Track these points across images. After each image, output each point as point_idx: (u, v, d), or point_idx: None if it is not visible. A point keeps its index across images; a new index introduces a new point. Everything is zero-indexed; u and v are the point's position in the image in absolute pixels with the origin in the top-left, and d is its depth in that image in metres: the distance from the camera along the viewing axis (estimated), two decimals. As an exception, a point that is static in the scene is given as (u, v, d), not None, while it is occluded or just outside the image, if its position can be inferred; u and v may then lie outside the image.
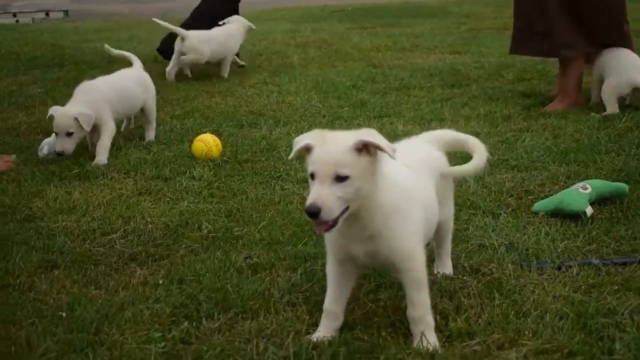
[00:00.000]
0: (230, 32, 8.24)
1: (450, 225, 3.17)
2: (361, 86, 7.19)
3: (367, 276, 3.10)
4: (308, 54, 9.42)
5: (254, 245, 3.50)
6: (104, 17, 15.57)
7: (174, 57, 7.98)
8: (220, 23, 8.19)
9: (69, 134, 4.88)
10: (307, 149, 2.47)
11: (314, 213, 2.38)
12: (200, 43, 7.86)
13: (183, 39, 7.85)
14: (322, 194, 2.39)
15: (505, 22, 9.00)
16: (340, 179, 2.39)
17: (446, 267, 3.18)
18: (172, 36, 8.29)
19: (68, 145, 4.90)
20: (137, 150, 5.13)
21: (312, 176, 2.43)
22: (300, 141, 2.51)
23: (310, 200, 2.40)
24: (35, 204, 4.17)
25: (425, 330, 2.59)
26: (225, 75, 8.05)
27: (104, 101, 5.08)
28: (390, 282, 3.05)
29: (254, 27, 8.53)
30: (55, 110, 4.93)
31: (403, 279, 2.62)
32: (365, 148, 2.43)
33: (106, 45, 6.20)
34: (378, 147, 2.44)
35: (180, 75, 7.97)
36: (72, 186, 4.44)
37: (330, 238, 2.66)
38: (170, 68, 7.92)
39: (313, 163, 2.43)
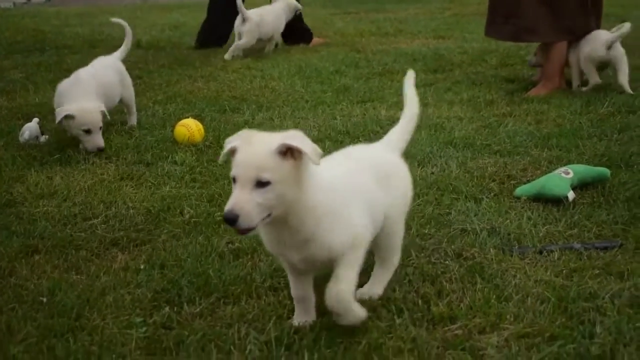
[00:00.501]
0: (278, 12, 8.41)
1: (394, 230, 2.88)
2: (344, 71, 7.17)
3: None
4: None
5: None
6: (85, 1, 15.46)
7: (237, 38, 8.32)
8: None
9: (100, 128, 4.80)
10: (232, 152, 2.36)
11: (231, 220, 2.26)
12: (257, 25, 8.07)
13: (244, 20, 8.01)
14: (241, 200, 2.26)
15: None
16: (261, 184, 2.27)
17: (375, 284, 2.88)
18: (206, 24, 8.51)
19: (102, 139, 4.79)
20: (119, 136, 5.10)
21: (234, 180, 2.30)
22: (229, 143, 2.39)
23: (228, 206, 2.27)
24: (16, 189, 4.14)
25: (344, 308, 2.51)
26: (269, 52, 8.50)
27: (99, 94, 5.01)
28: (369, 265, 3.04)
29: (300, 7, 8.68)
30: (81, 110, 4.73)
31: (338, 261, 2.52)
32: (290, 152, 2.32)
33: (112, 19, 6.12)
34: (301, 151, 2.31)
35: (162, 60, 7.93)
36: (53, 171, 4.41)
37: (266, 243, 2.56)
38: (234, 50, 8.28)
39: (235, 166, 2.31)
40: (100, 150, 4.71)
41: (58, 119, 4.69)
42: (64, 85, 4.97)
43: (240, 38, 8.26)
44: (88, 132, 4.71)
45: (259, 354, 2.50)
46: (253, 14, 8.26)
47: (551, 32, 6.06)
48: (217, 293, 2.89)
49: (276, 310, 2.76)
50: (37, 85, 6.79)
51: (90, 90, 4.91)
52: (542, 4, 6.02)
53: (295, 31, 9.13)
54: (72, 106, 4.72)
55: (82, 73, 5.10)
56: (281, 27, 8.64)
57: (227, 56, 8.15)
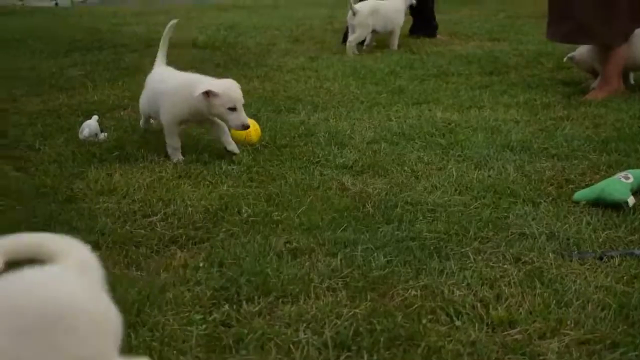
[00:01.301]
0: (397, 6, 8.54)
1: None
2: (399, 72, 7.17)
3: (408, 262, 3.10)
4: (345, 40, 9.41)
5: (293, 230, 3.50)
6: (141, 0, 15.63)
7: (350, 32, 8.47)
8: None
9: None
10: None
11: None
12: (367, 17, 8.18)
13: (354, 13, 8.16)
14: None
15: (544, 9, 8.92)
16: None
17: None
18: None
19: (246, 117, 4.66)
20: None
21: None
22: None
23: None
24: (77, 185, 4.20)
25: None
26: (395, 47, 8.61)
27: None
28: (431, 267, 3.04)
29: (414, 1, 8.79)
30: (230, 85, 4.65)
31: None
32: None
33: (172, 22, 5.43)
34: None
35: (217, 60, 8.00)
36: (112, 168, 4.47)
37: None
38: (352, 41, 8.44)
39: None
40: (246, 128, 4.61)
41: (197, 93, 4.50)
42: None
43: (353, 32, 8.37)
44: (234, 109, 4.54)
45: (317, 354, 2.51)
46: (363, 5, 8.35)
47: (609, 34, 5.99)
48: (276, 292, 2.91)
49: (334, 310, 2.77)
50: (96, 83, 6.88)
51: None
52: (598, 6, 5.95)
53: (420, 23, 9.24)
54: (214, 82, 4.63)
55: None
56: (401, 21, 8.72)
57: (348, 52, 8.23)
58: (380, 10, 8.45)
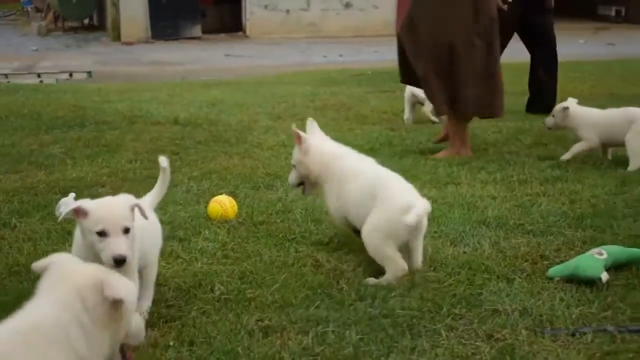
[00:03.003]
0: None
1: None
2: (378, 149, 7.20)
3: (379, 340, 3.07)
4: (327, 117, 9.46)
5: (266, 308, 3.48)
6: (127, 78, 15.76)
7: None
8: None
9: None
10: None
11: None
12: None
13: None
14: None
15: (524, 87, 9.06)
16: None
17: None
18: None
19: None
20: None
21: None
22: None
23: None
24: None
25: None
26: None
27: None
28: (403, 345, 3.02)
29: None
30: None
31: None
32: None
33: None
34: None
35: (198, 136, 8.04)
36: (86, 246, 4.44)
37: None
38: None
39: None
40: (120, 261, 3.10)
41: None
42: None
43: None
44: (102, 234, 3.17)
45: None
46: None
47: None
48: (245, 371, 2.88)
49: (304, 390, 2.74)
50: (75, 159, 6.88)
51: None
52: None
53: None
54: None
55: None
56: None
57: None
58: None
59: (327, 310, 3.40)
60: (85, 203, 3.21)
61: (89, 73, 16.12)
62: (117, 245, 3.08)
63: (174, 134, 7.97)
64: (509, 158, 6.67)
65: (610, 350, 3.00)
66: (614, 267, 3.84)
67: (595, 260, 3.78)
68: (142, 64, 18.47)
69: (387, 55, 19.86)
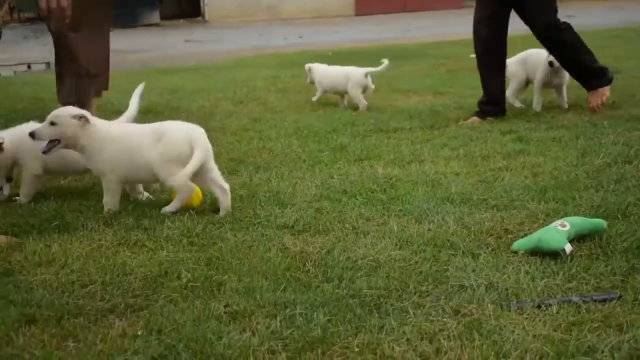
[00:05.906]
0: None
1: None
2: (341, 130, 7.21)
3: (347, 320, 3.08)
4: (289, 99, 9.47)
5: (233, 293, 3.48)
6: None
7: None
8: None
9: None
10: None
11: None
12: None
13: None
14: None
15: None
16: None
17: None
18: None
19: None
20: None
21: None
22: None
23: None
24: (15, 258, 4.13)
25: None
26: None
27: None
28: (371, 324, 3.03)
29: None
30: None
31: None
32: None
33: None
34: None
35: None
36: (51, 239, 4.40)
37: None
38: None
39: None
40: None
41: None
42: None
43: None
44: None
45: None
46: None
47: None
48: (215, 357, 2.88)
49: (274, 373, 2.74)
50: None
51: None
52: None
53: None
54: None
55: None
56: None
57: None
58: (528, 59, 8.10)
59: (294, 293, 3.40)
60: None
61: (48, 64, 15.91)
62: None
63: (135, 122, 7.90)
64: (471, 134, 6.71)
65: (576, 320, 3.03)
66: (577, 239, 3.88)
67: (558, 232, 3.81)
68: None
69: (346, 36, 19.92)
